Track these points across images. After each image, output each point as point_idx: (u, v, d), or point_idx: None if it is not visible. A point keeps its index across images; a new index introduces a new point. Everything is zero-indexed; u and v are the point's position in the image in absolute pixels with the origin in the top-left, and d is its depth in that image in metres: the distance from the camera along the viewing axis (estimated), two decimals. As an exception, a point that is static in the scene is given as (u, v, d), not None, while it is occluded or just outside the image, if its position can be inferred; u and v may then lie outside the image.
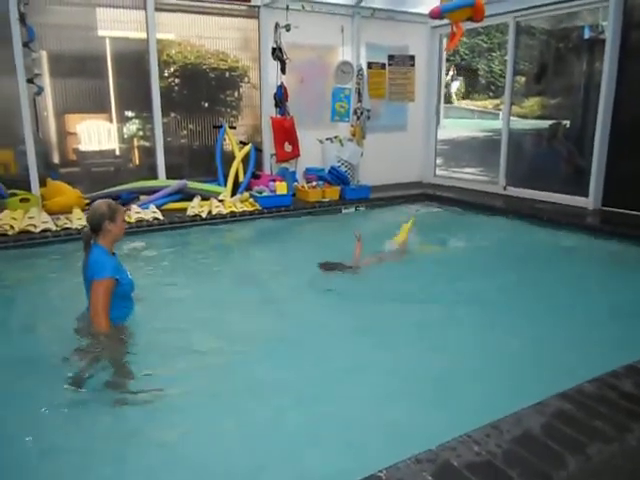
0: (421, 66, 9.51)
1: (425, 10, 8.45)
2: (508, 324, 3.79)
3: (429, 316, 3.93)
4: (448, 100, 16.87)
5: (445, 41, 9.72)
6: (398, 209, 8.10)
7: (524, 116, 8.85)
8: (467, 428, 2.17)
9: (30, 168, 6.76)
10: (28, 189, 6.77)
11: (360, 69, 8.70)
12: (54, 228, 6.07)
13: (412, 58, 9.34)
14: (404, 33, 9.23)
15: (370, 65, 8.94)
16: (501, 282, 4.65)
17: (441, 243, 6.21)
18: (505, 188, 8.49)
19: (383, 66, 9.08)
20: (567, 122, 8.26)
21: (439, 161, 10.26)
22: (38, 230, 5.99)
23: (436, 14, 6.12)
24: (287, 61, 8.02)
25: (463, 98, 18.05)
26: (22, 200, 6.47)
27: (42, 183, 6.88)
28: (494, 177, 8.88)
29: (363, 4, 8.48)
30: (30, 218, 6.12)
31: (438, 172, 10.06)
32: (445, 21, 7.14)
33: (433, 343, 3.56)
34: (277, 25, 7.89)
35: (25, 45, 6.51)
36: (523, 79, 8.95)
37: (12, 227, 5.93)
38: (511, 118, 8.49)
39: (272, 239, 6.64)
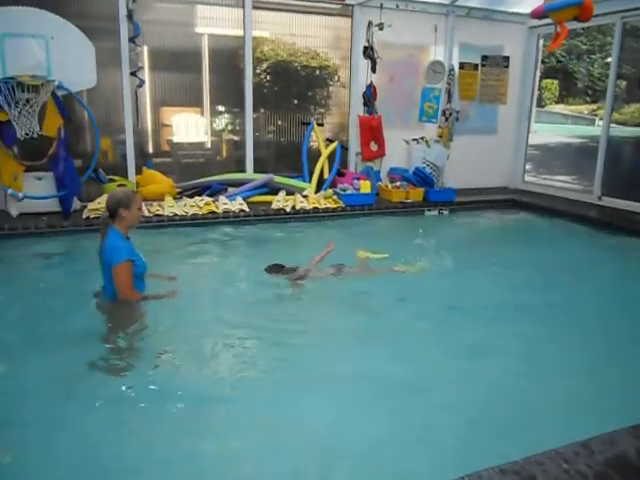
0: (515, 67, 9.17)
1: (524, 9, 8.21)
2: (600, 346, 3.58)
3: (518, 331, 3.75)
4: (539, 104, 16.18)
5: (542, 42, 9.35)
6: (483, 214, 7.85)
7: (623, 123, 8.32)
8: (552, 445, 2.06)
9: (128, 156, 7.15)
10: (125, 176, 7.16)
11: (451, 69, 8.51)
12: (147, 214, 6.37)
13: (506, 59, 9.02)
14: (499, 33, 8.93)
15: (462, 65, 8.74)
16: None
17: (523, 251, 5.94)
18: (600, 198, 8.01)
19: (475, 67, 8.84)
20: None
21: (528, 167, 9.85)
22: (133, 215, 6.30)
23: (539, 14, 5.87)
24: (378, 60, 7.99)
25: (556, 102, 17.24)
26: (119, 186, 6.82)
27: (138, 171, 7.24)
28: (588, 186, 8.41)
29: (459, 3, 8.29)
30: (126, 204, 6.45)
31: (527, 178, 9.66)
32: (545, 21, 6.87)
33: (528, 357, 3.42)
34: (370, 24, 7.87)
35: (131, 40, 6.88)
36: (624, 83, 8.41)
37: (110, 211, 6.27)
38: (611, 125, 8.01)
39: (355, 236, 6.62)
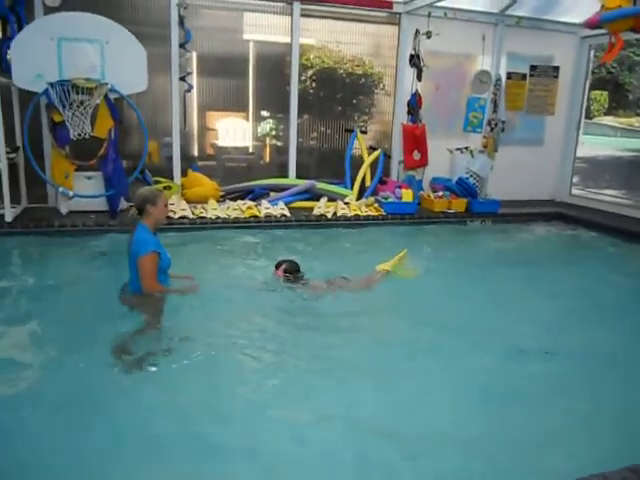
0: (565, 78, 8.96)
1: (576, 19, 8.04)
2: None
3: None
4: (587, 115, 15.77)
5: (594, 52, 9.12)
6: (528, 227, 7.67)
7: (677, 137, 8.01)
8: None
9: (174, 159, 7.29)
10: (170, 178, 7.29)
11: (498, 79, 8.39)
12: (191, 216, 6.49)
13: (556, 69, 8.83)
14: (549, 43, 8.75)
15: (510, 75, 8.60)
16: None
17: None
18: (653, 214, 7.73)
19: (524, 77, 8.69)
20: None
21: (575, 179, 9.60)
22: (177, 216, 6.45)
23: (593, 24, 5.71)
24: (424, 68, 7.94)
25: (605, 114, 16.74)
26: (165, 187, 6.97)
27: (183, 173, 7.37)
28: (640, 201, 8.13)
29: (509, 12, 8.16)
30: (171, 204, 6.57)
31: (574, 191, 9.41)
32: (597, 32, 6.72)
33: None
34: (417, 32, 7.84)
35: (181, 46, 7.03)
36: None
37: (155, 212, 6.40)
38: (666, 138, 7.73)
39: (394, 245, 6.56)
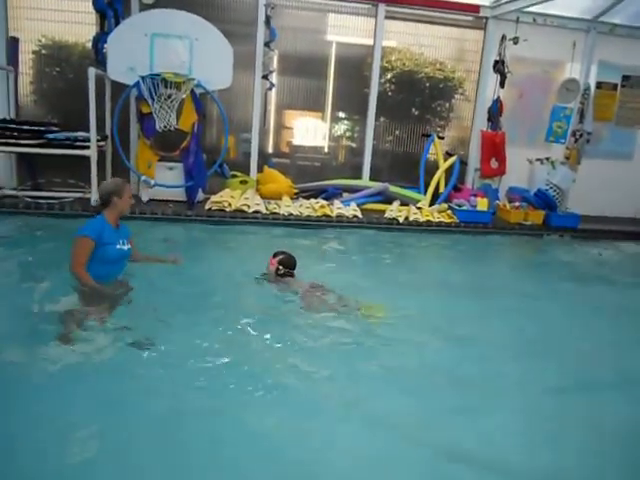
0: (661, 90, 8.45)
1: (678, 28, 7.55)
2: None
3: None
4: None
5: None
6: (611, 245, 7.24)
7: None
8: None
9: (252, 155, 7.46)
10: (247, 173, 7.46)
11: (587, 88, 8.02)
12: (264, 211, 6.61)
13: (652, 81, 8.34)
14: (645, 53, 8.28)
15: (599, 85, 8.19)
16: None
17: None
18: None
19: (615, 87, 8.25)
20: None
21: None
22: (251, 210, 6.58)
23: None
24: (508, 75, 7.71)
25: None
26: (241, 182, 7.15)
27: (259, 169, 7.52)
28: None
29: (602, 19, 7.79)
30: (246, 199, 6.75)
31: (663, 211, 8.85)
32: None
33: None
34: (504, 37, 7.62)
35: (266, 45, 7.18)
36: None
37: (230, 204, 6.58)
38: None
39: (464, 255, 6.42)
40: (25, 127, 6.14)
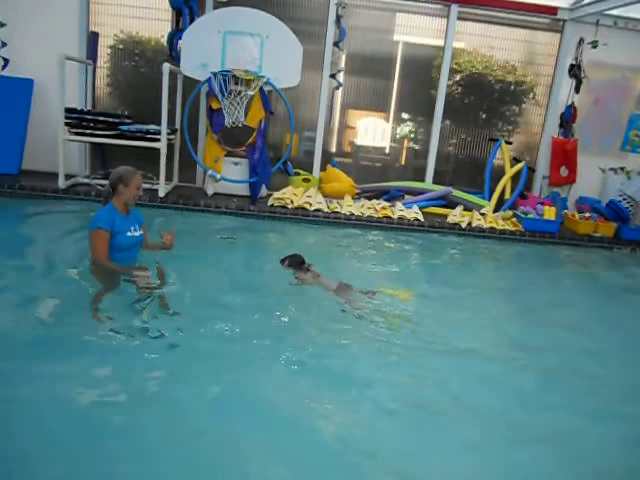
0: None
1: None
2: None
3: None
4: None
5: None
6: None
7: None
8: None
9: (316, 153, 7.49)
10: (309, 171, 7.49)
11: (670, 96, 7.62)
12: (325, 210, 6.62)
13: None
14: None
15: (683, 93, 7.77)
16: None
17: None
18: None
19: (701, 95, 7.81)
20: None
21: None
22: (312, 209, 6.60)
23: None
24: (584, 80, 7.41)
25: None
26: (304, 180, 7.19)
27: (322, 167, 7.54)
28: None
29: (691, 23, 7.38)
30: (308, 197, 6.77)
31: None
32: None
33: None
34: (581, 41, 7.34)
35: (335, 44, 7.18)
36: None
37: (292, 202, 6.62)
38: None
39: (530, 265, 6.21)
40: (100, 118, 6.38)
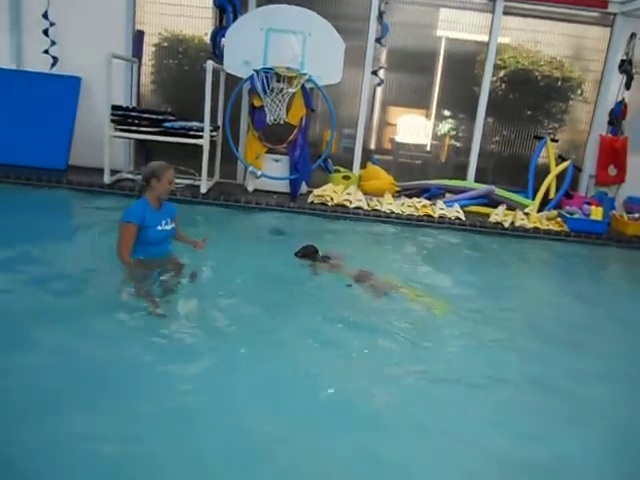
0: None
1: None
2: None
3: None
4: None
5: None
6: None
7: None
8: None
9: (356, 150, 7.47)
10: (350, 168, 7.47)
11: None
12: (365, 207, 6.60)
13: None
14: None
15: None
16: None
17: None
18: None
19: None
20: None
21: None
22: (352, 206, 6.59)
23: None
24: (635, 76, 7.16)
25: None
26: (344, 177, 7.17)
27: (362, 165, 7.50)
28: None
29: None
30: (348, 194, 6.76)
31: None
32: None
33: None
34: (633, 35, 7.09)
35: (377, 40, 7.12)
36: None
37: (332, 199, 6.62)
38: None
39: (576, 266, 6.04)
40: (145, 115, 6.50)
